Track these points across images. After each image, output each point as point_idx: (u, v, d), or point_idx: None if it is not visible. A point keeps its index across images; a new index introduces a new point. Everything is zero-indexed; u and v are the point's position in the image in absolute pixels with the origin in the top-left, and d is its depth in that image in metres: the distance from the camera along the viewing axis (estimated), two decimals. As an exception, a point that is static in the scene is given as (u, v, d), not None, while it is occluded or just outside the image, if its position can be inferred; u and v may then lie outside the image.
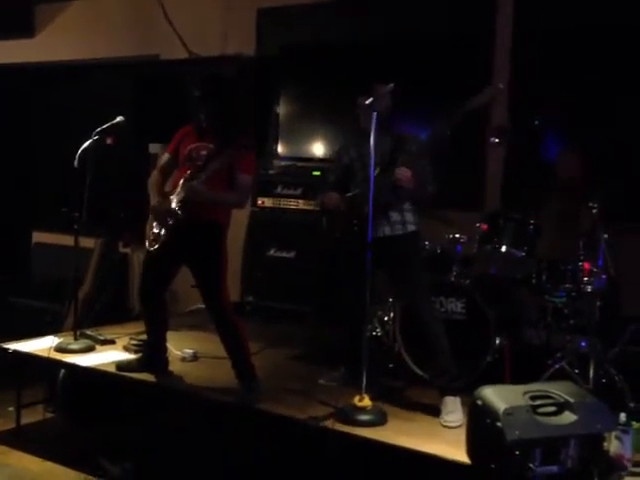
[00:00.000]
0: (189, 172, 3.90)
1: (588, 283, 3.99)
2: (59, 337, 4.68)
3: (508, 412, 2.91)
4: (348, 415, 3.56)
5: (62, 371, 4.60)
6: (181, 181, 3.92)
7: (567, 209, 4.52)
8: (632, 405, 3.60)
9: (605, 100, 4.91)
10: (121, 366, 4.28)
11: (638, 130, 4.81)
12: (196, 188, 3.79)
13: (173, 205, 3.87)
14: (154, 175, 4.16)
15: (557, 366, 3.92)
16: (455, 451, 3.21)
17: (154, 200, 4.01)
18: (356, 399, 3.60)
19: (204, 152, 3.94)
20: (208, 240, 3.96)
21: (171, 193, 3.97)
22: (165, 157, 4.18)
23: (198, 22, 6.52)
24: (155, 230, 3.99)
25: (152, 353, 4.29)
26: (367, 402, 3.59)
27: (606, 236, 3.97)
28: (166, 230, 3.92)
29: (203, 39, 6.46)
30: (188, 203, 3.82)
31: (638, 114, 4.83)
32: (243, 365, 4.00)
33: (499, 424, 2.89)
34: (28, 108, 7.79)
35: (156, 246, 3.96)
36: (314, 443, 3.51)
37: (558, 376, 3.84)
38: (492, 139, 5.09)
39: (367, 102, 3.66)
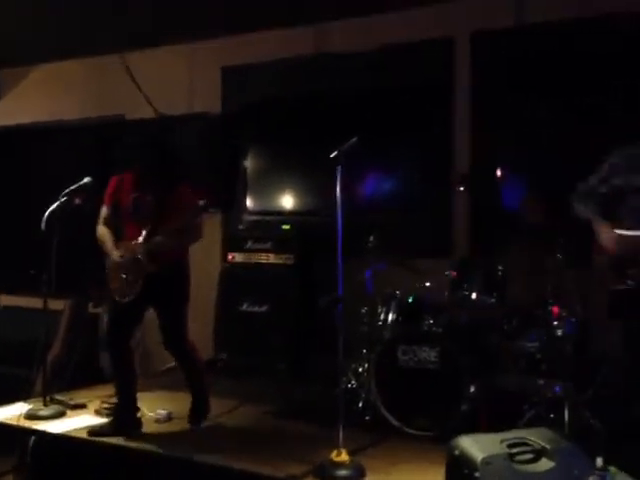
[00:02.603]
0: (147, 228, 4.11)
1: (558, 327, 4.03)
2: (28, 403, 4.58)
3: (486, 461, 2.91)
4: (326, 471, 3.52)
5: (32, 438, 4.49)
6: (141, 237, 4.11)
7: (534, 254, 4.58)
8: (608, 449, 3.59)
9: (567, 144, 5.03)
10: (93, 431, 4.20)
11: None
12: (160, 245, 4.09)
13: (141, 258, 4.06)
14: (102, 229, 4.35)
15: (532, 412, 3.93)
16: (435, 504, 3.18)
17: (114, 254, 4.21)
18: (333, 454, 3.56)
19: (147, 201, 4.19)
20: (175, 278, 4.27)
21: (128, 245, 4.17)
22: (105, 211, 4.37)
23: (164, 82, 6.59)
24: (117, 284, 4.19)
25: (122, 414, 4.26)
26: (345, 457, 3.56)
27: (573, 280, 4.02)
28: (136, 281, 4.09)
29: (169, 98, 6.53)
30: (154, 255, 4.06)
31: (598, 158, 4.95)
32: (199, 392, 4.43)
33: (477, 474, 2.88)
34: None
35: (130, 297, 4.12)
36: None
37: (534, 421, 3.84)
38: (458, 187, 5.20)
39: (331, 155, 3.68)
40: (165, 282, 4.18)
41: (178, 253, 4.29)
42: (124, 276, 4.15)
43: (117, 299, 4.21)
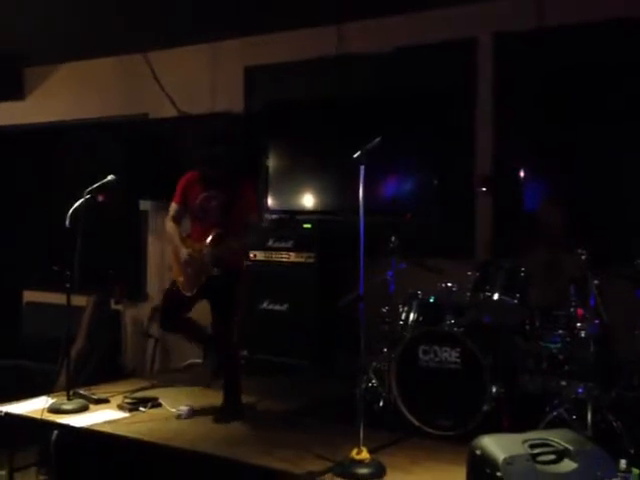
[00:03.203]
0: (214, 231, 4.27)
1: (582, 328, 4.01)
2: (52, 397, 4.62)
3: (508, 461, 2.89)
4: (346, 468, 3.51)
5: (55, 432, 4.53)
6: (209, 238, 4.26)
7: (553, 256, 4.57)
8: (632, 451, 3.58)
9: (587, 148, 5.01)
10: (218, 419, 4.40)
11: (620, 175, 4.92)
12: (226, 254, 4.26)
13: (207, 261, 4.25)
14: (171, 226, 4.53)
15: (555, 413, 3.91)
16: (456, 503, 3.18)
17: (184, 250, 4.37)
18: (354, 452, 3.56)
19: (214, 203, 4.36)
20: (234, 279, 4.40)
21: (196, 245, 4.34)
22: (174, 207, 4.54)
23: (186, 81, 6.64)
24: (181, 277, 4.42)
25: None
26: (365, 455, 3.56)
27: (596, 282, 4.01)
28: (199, 279, 4.31)
29: (192, 97, 6.58)
30: (219, 260, 4.25)
31: (619, 160, 4.94)
32: (233, 392, 4.44)
33: (499, 474, 2.87)
34: (19, 168, 7.85)
35: (191, 292, 4.36)
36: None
37: (556, 422, 3.83)
38: (480, 188, 5.20)
39: (355, 155, 3.69)
40: (224, 282, 4.33)
41: (240, 257, 4.47)
42: (189, 272, 4.35)
43: (180, 290, 4.43)
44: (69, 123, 7.35)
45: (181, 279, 4.44)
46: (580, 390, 3.96)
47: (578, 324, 4.03)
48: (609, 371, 4.13)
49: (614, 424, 3.79)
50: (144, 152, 6.54)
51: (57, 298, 6.07)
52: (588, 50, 5.04)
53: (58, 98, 7.44)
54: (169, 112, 6.65)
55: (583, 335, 4.02)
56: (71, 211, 4.59)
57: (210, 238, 4.28)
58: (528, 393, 4.32)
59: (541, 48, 5.19)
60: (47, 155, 7.63)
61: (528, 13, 5.20)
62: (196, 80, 6.62)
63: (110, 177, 4.75)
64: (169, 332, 4.74)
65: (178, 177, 4.58)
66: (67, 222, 4.56)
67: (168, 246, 4.70)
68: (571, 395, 3.98)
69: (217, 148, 4.38)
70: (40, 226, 7.46)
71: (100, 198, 4.85)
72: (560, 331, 4.13)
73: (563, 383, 4.08)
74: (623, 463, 3.12)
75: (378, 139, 3.72)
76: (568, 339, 4.10)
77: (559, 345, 4.16)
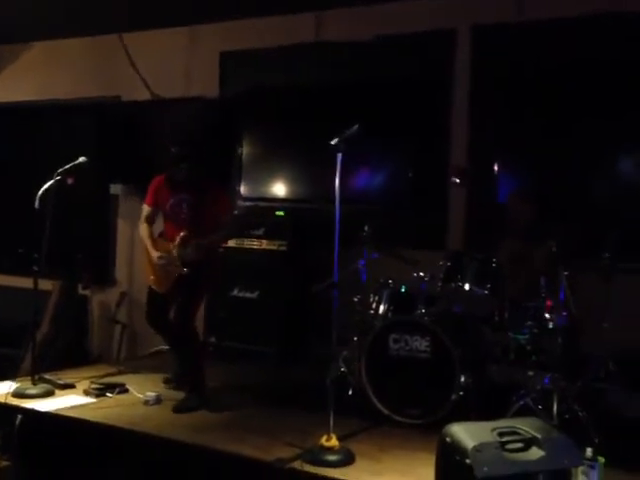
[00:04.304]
0: (183, 232, 4.35)
1: (550, 320, 4.05)
2: (16, 382, 4.55)
3: (477, 449, 2.91)
4: (316, 456, 3.52)
5: (19, 417, 4.46)
6: (178, 238, 4.36)
7: (521, 249, 4.62)
8: (596, 440, 3.62)
9: (562, 142, 5.06)
10: (178, 408, 4.33)
11: (593, 169, 4.97)
12: (201, 250, 4.34)
13: (177, 261, 4.39)
14: (144, 228, 4.63)
15: (522, 402, 3.95)
16: (424, 490, 3.19)
17: (154, 253, 4.50)
18: (323, 439, 3.57)
19: (184, 205, 4.47)
20: (202, 274, 4.48)
21: (166, 246, 4.46)
22: (147, 209, 4.64)
23: (161, 64, 6.56)
24: (153, 275, 4.57)
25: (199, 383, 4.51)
26: (334, 442, 3.57)
27: (566, 273, 4.04)
28: (170, 278, 4.46)
29: (166, 81, 6.51)
30: (187, 261, 4.36)
31: (592, 154, 4.99)
32: (197, 381, 4.43)
33: (468, 461, 2.89)
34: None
35: (163, 290, 4.51)
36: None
37: (522, 412, 3.86)
38: (453, 179, 5.22)
39: (332, 142, 3.66)
40: (194, 278, 4.42)
41: (210, 253, 4.50)
42: (161, 273, 4.49)
43: (154, 287, 4.57)
44: (40, 103, 7.21)
45: (153, 278, 4.56)
46: (546, 380, 4.00)
47: (547, 316, 4.06)
48: (576, 362, 4.18)
49: (579, 414, 3.84)
50: (116, 135, 6.46)
51: (22, 282, 5.97)
52: (565, 45, 5.07)
53: (30, 77, 7.30)
54: (143, 95, 6.57)
55: (551, 327, 4.06)
56: (40, 193, 4.53)
57: (178, 240, 4.38)
58: (496, 383, 4.35)
59: (519, 42, 5.21)
60: (17, 135, 7.49)
61: (508, 6, 5.22)
62: (171, 63, 6.55)
63: (81, 159, 4.70)
64: (154, 328, 4.74)
65: (150, 161, 4.58)
66: (36, 204, 4.49)
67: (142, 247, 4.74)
68: (537, 385, 4.01)
69: (184, 148, 4.44)
70: (7, 208, 7.33)
71: (70, 180, 4.79)
72: (529, 322, 4.17)
73: (530, 373, 4.11)
74: (589, 452, 3.17)
75: (356, 126, 3.69)
76: (536, 330, 4.14)
77: (527, 336, 4.19)
